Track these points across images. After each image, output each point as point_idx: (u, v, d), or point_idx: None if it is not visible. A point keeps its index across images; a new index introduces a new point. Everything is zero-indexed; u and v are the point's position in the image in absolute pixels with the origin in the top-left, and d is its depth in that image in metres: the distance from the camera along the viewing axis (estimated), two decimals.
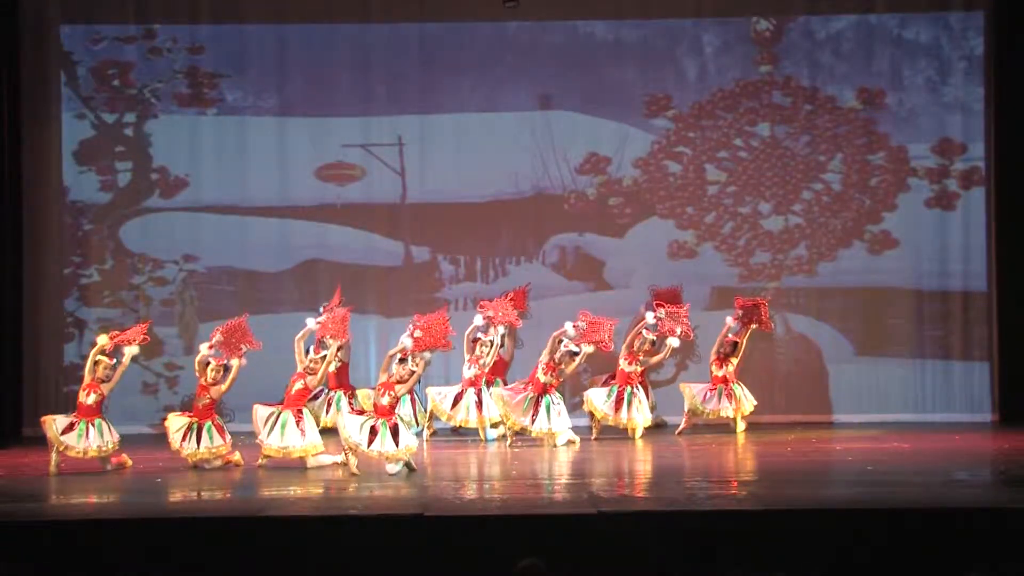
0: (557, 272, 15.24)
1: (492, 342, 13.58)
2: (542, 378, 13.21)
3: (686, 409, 14.03)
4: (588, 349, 13.26)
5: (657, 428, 14.13)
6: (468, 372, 13.64)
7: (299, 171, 15.27)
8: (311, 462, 12.06)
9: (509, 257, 15.37)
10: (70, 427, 12.09)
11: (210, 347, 12.34)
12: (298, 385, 12.25)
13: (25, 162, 14.94)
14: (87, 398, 12.21)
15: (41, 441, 14.29)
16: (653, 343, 13.74)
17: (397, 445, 11.53)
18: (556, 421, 13.18)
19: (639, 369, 13.74)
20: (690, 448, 13.26)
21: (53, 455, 12.08)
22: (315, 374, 12.26)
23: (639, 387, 13.71)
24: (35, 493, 11.07)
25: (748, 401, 14.05)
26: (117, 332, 12.58)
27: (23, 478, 12.00)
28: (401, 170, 15.33)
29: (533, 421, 13.12)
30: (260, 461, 12.14)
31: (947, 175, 15.29)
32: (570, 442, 13.23)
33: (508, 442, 13.26)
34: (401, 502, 10.35)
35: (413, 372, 11.78)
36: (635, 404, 13.58)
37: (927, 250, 15.22)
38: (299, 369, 12.32)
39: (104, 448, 12.13)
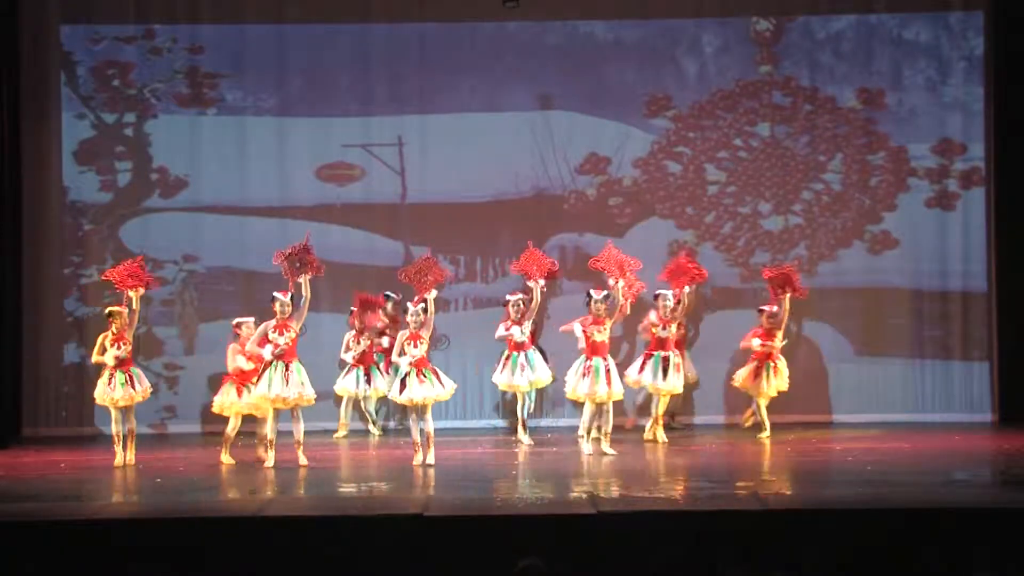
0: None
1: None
2: (518, 337, 13.38)
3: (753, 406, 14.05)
4: (540, 283, 13.23)
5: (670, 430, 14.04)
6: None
7: (299, 171, 15.27)
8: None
9: (509, 257, 15.33)
10: (111, 383, 12.48)
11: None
12: (284, 340, 12.26)
13: (25, 162, 14.94)
14: (120, 351, 12.51)
15: (40, 441, 14.39)
16: (606, 298, 13.06)
17: (443, 387, 12.21)
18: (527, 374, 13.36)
19: (605, 336, 12.80)
20: (690, 448, 13.26)
21: (117, 449, 12.50)
22: (295, 317, 12.33)
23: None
24: (35, 493, 11.07)
25: (784, 379, 13.92)
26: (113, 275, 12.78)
27: (23, 478, 12.01)
28: (401, 170, 15.33)
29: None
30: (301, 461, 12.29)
31: (947, 175, 15.29)
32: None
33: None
34: (401, 502, 10.35)
35: (424, 312, 12.20)
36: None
37: (927, 250, 15.22)
38: (271, 328, 12.33)
39: (145, 393, 12.64)
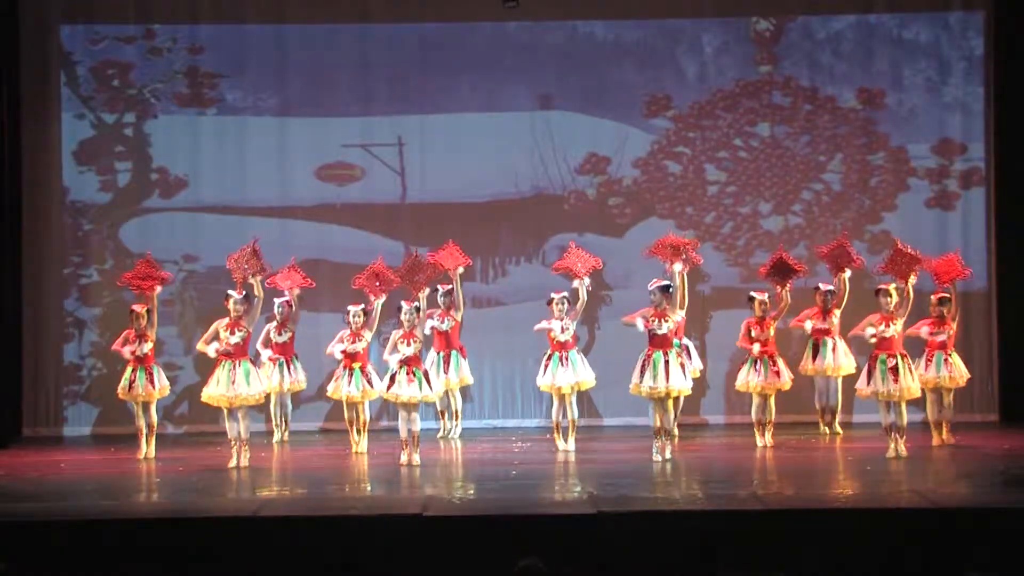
0: (557, 272, 15.19)
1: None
2: (560, 336, 12.86)
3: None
4: (585, 282, 12.87)
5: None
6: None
7: (299, 171, 15.27)
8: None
9: (509, 257, 15.37)
10: (132, 379, 12.79)
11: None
12: (235, 339, 12.30)
13: (25, 162, 14.93)
14: (140, 349, 12.81)
15: (40, 441, 14.39)
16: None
17: (431, 389, 12.27)
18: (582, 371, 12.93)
19: (666, 329, 12.39)
20: (690, 448, 13.25)
21: (142, 443, 12.82)
22: (247, 316, 12.36)
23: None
24: (35, 493, 11.07)
25: (850, 358, 13.74)
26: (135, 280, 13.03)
27: (23, 478, 12.01)
28: (401, 170, 15.34)
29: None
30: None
31: (947, 175, 15.29)
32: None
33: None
34: (401, 502, 10.35)
35: (418, 312, 12.28)
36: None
37: (927, 250, 15.12)
38: (223, 327, 12.35)
39: (163, 391, 12.95)
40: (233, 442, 12.27)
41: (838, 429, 13.89)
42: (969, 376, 13.32)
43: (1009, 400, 14.98)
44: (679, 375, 12.17)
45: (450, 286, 13.67)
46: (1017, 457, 12.40)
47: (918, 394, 12.47)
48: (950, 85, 15.28)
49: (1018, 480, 11.06)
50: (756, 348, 13.11)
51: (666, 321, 12.17)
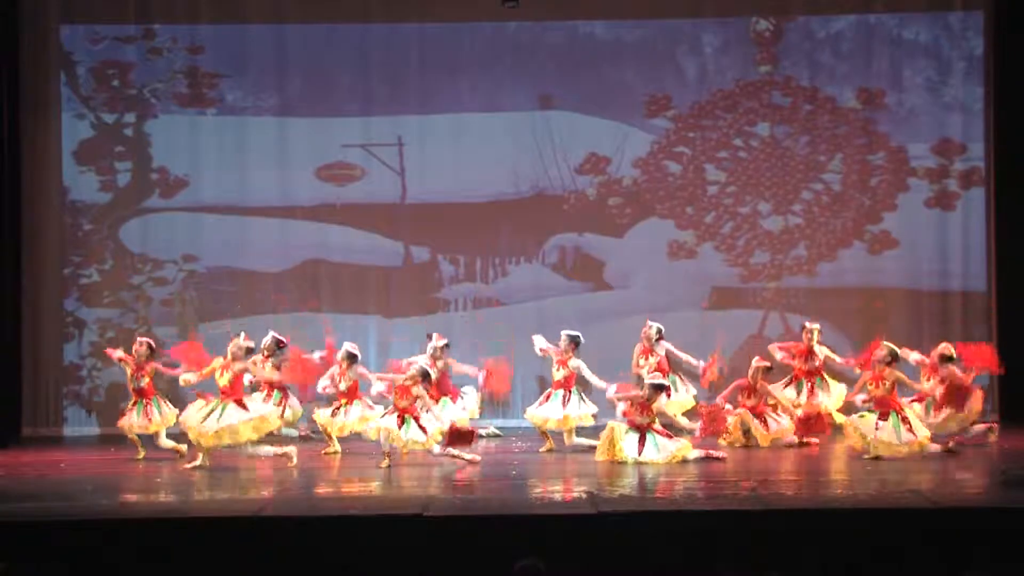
0: (557, 272, 15.24)
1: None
2: (556, 375, 13.10)
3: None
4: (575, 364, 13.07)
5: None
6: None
7: (299, 171, 15.27)
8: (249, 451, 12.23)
9: (509, 257, 15.37)
10: (133, 407, 12.79)
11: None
12: (223, 381, 12.20)
13: (25, 162, 14.94)
14: (139, 383, 12.78)
15: (40, 441, 14.38)
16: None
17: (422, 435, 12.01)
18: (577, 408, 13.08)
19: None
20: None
21: (140, 444, 12.84)
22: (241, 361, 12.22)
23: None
24: (35, 493, 11.07)
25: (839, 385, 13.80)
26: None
27: (23, 478, 12.01)
28: (401, 170, 15.34)
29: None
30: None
31: (947, 175, 15.30)
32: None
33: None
34: (401, 502, 10.35)
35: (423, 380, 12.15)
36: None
37: (927, 250, 15.22)
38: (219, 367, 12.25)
39: (165, 422, 12.78)
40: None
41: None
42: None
43: (1009, 400, 14.98)
44: (652, 448, 12.07)
45: (444, 341, 13.63)
46: (1017, 457, 12.41)
47: (904, 453, 12.23)
48: (950, 85, 15.29)
49: (1018, 480, 11.06)
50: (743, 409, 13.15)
51: (649, 414, 12.21)
